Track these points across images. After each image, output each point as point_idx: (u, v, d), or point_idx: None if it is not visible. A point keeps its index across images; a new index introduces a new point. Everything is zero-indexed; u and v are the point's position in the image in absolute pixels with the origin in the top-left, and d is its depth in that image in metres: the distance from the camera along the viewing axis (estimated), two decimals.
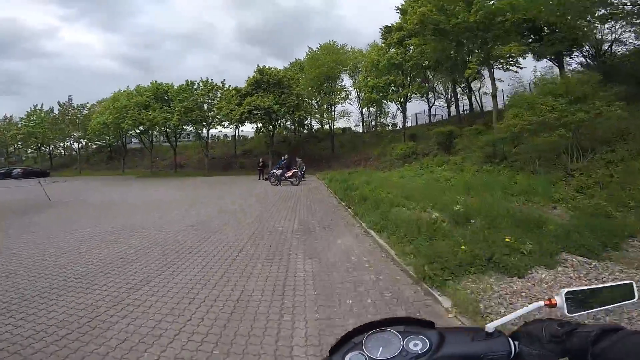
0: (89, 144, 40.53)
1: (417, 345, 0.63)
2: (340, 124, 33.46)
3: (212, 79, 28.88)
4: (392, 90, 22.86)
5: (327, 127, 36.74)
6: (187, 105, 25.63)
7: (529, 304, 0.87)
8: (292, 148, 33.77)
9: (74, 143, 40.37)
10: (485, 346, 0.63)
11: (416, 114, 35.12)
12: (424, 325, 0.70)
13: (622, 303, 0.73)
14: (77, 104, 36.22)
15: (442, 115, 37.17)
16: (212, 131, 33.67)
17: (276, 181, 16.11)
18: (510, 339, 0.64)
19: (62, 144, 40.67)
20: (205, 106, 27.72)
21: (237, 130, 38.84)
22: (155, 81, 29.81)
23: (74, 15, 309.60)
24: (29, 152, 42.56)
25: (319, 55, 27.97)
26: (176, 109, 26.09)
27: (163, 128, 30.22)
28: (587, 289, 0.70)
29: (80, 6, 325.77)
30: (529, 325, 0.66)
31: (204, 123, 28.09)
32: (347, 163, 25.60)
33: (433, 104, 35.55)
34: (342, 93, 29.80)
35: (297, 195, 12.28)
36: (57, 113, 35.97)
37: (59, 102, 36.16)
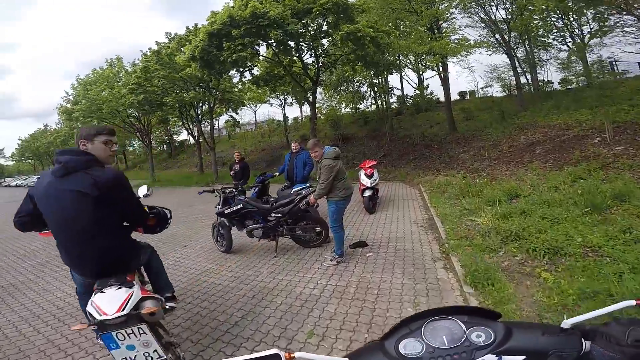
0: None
1: (480, 336, 0.59)
2: (457, 82, 15.64)
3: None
4: None
5: (431, 90, 20.10)
6: (150, 67, 13.91)
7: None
8: (371, 128, 19.02)
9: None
10: (556, 342, 0.56)
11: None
12: (488, 317, 0.64)
13: None
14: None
15: None
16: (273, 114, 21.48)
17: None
18: (582, 338, 0.57)
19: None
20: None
21: (283, 108, 26.62)
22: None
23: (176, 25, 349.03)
24: None
25: None
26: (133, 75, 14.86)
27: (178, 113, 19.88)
28: None
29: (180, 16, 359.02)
30: (609, 324, 0.56)
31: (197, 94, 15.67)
32: (505, 155, 9.12)
33: None
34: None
35: None
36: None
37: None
